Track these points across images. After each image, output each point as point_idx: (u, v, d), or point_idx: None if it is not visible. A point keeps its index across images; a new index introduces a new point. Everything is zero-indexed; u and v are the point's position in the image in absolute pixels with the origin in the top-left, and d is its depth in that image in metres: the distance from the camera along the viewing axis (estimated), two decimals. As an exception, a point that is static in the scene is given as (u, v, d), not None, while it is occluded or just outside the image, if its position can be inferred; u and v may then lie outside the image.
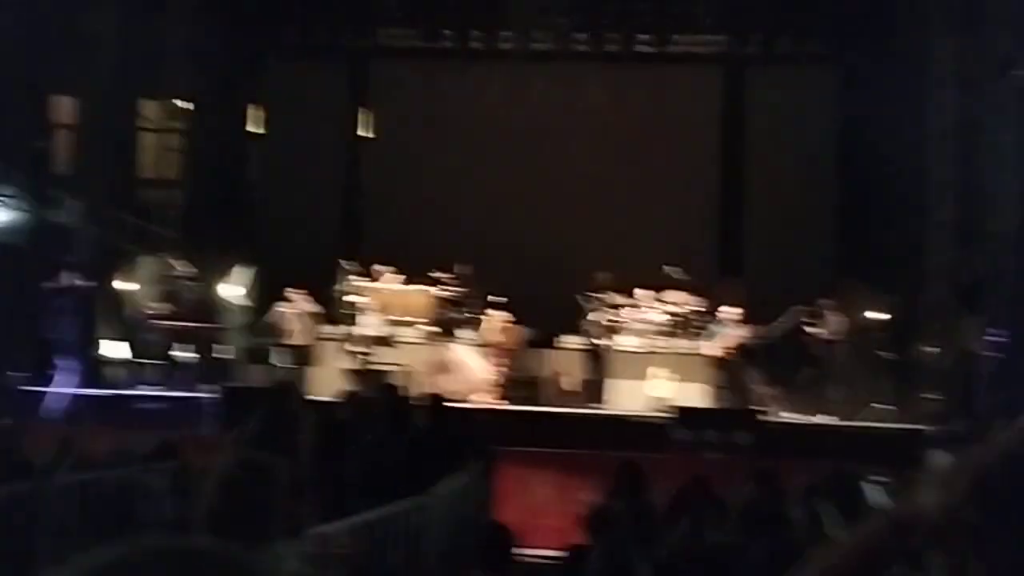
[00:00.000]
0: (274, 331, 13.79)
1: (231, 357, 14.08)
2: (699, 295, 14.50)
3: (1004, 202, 13.09)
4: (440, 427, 6.99)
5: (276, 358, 13.70)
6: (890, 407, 12.90)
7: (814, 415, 12.65)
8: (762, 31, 17.04)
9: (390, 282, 14.63)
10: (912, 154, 15.20)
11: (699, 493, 6.43)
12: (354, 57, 18.14)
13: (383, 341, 13.70)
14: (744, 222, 17.43)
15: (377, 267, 14.67)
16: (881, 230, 16.04)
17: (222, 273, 14.70)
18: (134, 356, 13.76)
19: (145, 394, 12.24)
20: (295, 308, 13.83)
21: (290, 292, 13.90)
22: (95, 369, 12.99)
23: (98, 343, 13.69)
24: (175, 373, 13.16)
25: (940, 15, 14.61)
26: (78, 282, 13.24)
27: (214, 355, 13.54)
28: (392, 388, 7.86)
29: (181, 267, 14.80)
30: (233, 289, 14.69)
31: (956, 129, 14.31)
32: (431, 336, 14.16)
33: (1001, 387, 12.50)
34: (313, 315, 13.91)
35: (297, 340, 13.63)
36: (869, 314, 13.71)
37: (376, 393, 7.87)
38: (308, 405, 7.52)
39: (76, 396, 11.40)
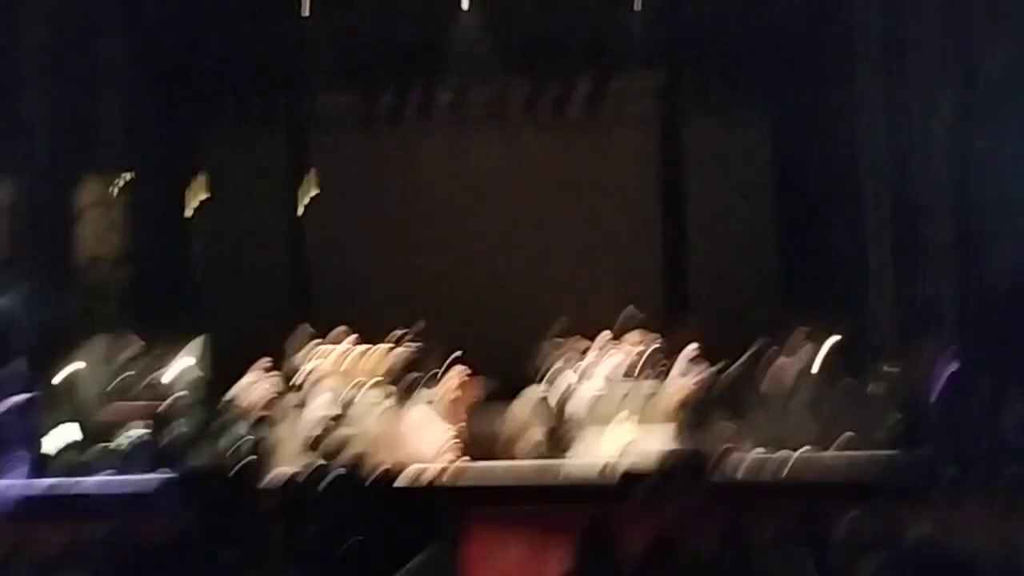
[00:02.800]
0: (234, 406, 13.58)
1: (188, 435, 13.82)
2: (655, 337, 14.54)
3: (943, 227, 13.36)
4: (401, 501, 6.89)
5: (236, 433, 13.48)
6: (853, 438, 12.97)
7: (781, 452, 12.65)
8: (694, 78, 17.38)
9: (349, 347, 14.49)
10: (849, 186, 15.51)
11: (669, 546, 6.39)
12: (293, 124, 18.12)
13: (343, 408, 13.54)
14: (689, 262, 17.60)
15: (336, 332, 14.53)
16: (825, 261, 16.29)
17: (173, 349, 14.47)
18: (86, 440, 13.46)
19: (98, 484, 11.94)
20: (255, 380, 13.61)
21: (257, 365, 13.66)
22: (46, 458, 12.69)
23: (48, 429, 13.38)
24: (130, 456, 12.88)
25: (867, 52, 14.98)
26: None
27: (168, 436, 13.27)
28: (355, 461, 7.75)
29: (130, 346, 14.56)
30: (186, 364, 14.46)
31: (890, 160, 14.65)
32: (391, 398, 14.02)
33: (957, 407, 12.66)
34: (274, 387, 13.70)
35: (258, 414, 13.40)
36: (825, 345, 13.84)
37: (339, 467, 7.76)
38: (259, 489, 7.41)
39: (26, 489, 11.10)
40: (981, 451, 11.05)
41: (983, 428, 11.98)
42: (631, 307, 14.43)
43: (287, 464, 12.98)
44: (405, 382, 14.27)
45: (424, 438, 12.99)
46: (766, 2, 15.14)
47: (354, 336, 14.55)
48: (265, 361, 13.61)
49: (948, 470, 10.47)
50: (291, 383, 14.11)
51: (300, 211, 18.12)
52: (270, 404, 13.58)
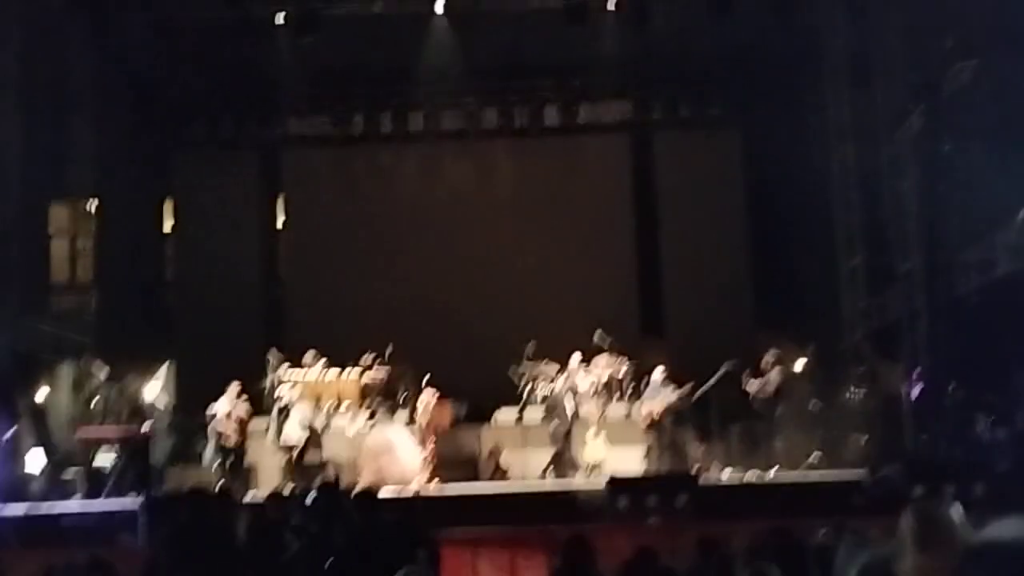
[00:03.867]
0: (207, 429, 13.51)
1: (159, 461, 13.75)
2: (626, 358, 14.61)
3: (911, 246, 13.51)
4: (380, 520, 6.89)
5: (208, 458, 13.42)
6: (823, 457, 13.08)
7: (752, 471, 12.75)
8: (664, 98, 17.54)
9: (320, 370, 14.45)
10: (818, 206, 15.67)
11: (645, 563, 6.43)
12: (264, 147, 18.12)
13: (315, 432, 13.52)
14: (662, 283, 17.69)
15: (307, 355, 14.48)
16: (795, 282, 16.44)
17: (143, 375, 14.40)
18: (57, 467, 13.35)
19: (71, 509, 11.83)
20: (228, 404, 13.53)
21: (230, 389, 13.55)
22: (18, 484, 12.57)
23: (20, 457, 13.27)
24: (101, 482, 12.78)
25: (833, 72, 15.16)
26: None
27: (140, 460, 13.18)
28: (329, 484, 7.74)
29: (100, 372, 14.47)
30: (155, 390, 14.39)
31: (858, 180, 14.81)
32: (364, 422, 14.01)
33: (925, 427, 12.79)
34: (246, 411, 13.62)
35: (229, 438, 13.33)
36: (795, 365, 13.95)
37: (312, 489, 7.75)
38: (241, 508, 7.40)
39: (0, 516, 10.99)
40: (950, 469, 11.15)
41: (951, 447, 12.11)
42: (601, 330, 14.49)
43: (261, 487, 12.95)
44: (377, 404, 14.29)
45: (398, 461, 12.99)
46: (735, 22, 15.29)
47: (325, 359, 14.53)
48: (237, 385, 13.55)
49: (917, 488, 10.59)
50: (263, 406, 14.08)
51: (272, 234, 18.10)
52: (243, 427, 13.53)
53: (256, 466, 13.61)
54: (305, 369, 14.42)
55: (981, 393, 12.24)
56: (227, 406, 13.39)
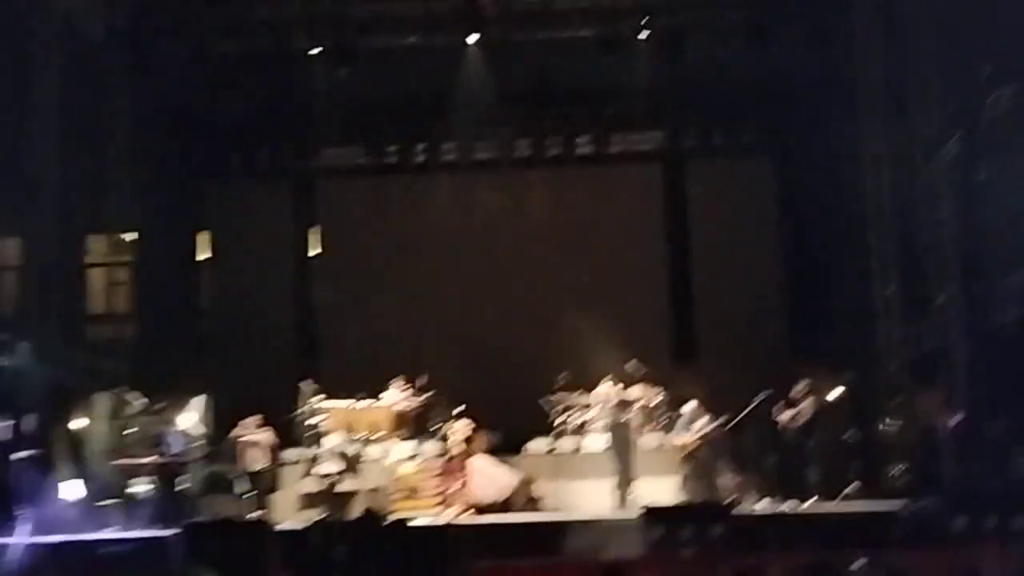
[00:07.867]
0: (235, 459, 13.55)
1: (193, 490, 13.80)
2: (659, 388, 14.54)
3: (948, 275, 13.38)
4: (414, 549, 6.89)
5: (239, 488, 13.46)
6: (861, 488, 12.94)
7: (788, 502, 12.61)
8: (698, 126, 17.52)
9: (352, 400, 14.46)
10: (853, 234, 15.55)
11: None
12: (299, 177, 18.30)
13: (348, 461, 13.53)
14: (695, 312, 17.62)
15: (341, 386, 14.46)
16: (830, 311, 16.31)
17: (178, 404, 14.48)
18: (93, 496, 13.42)
19: (107, 537, 11.88)
20: (254, 434, 13.58)
21: (249, 420, 13.61)
22: (54, 514, 12.64)
23: (56, 486, 13.36)
24: (136, 511, 12.84)
25: (869, 99, 15.07)
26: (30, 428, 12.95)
27: (175, 489, 13.25)
28: (360, 514, 7.74)
29: (136, 401, 14.57)
30: (190, 420, 14.47)
31: (894, 207, 14.70)
32: (395, 451, 14.00)
33: (963, 457, 12.62)
34: (274, 441, 13.65)
35: (259, 467, 13.36)
36: (829, 395, 13.82)
37: (345, 519, 7.77)
38: (276, 536, 7.42)
39: (37, 545, 11.04)
40: (989, 500, 10.98)
41: (990, 477, 11.93)
42: (635, 360, 14.42)
43: (293, 517, 12.97)
44: (409, 435, 14.28)
45: (489, 480, 12.98)
46: (769, 49, 15.25)
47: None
48: (269, 417, 13.59)
49: (956, 519, 10.43)
50: (296, 437, 14.11)
51: (306, 264, 18.22)
52: (276, 458, 13.57)
53: (287, 497, 13.62)
54: (338, 400, 14.38)
55: (1020, 423, 12.07)
56: (251, 434, 13.39)
